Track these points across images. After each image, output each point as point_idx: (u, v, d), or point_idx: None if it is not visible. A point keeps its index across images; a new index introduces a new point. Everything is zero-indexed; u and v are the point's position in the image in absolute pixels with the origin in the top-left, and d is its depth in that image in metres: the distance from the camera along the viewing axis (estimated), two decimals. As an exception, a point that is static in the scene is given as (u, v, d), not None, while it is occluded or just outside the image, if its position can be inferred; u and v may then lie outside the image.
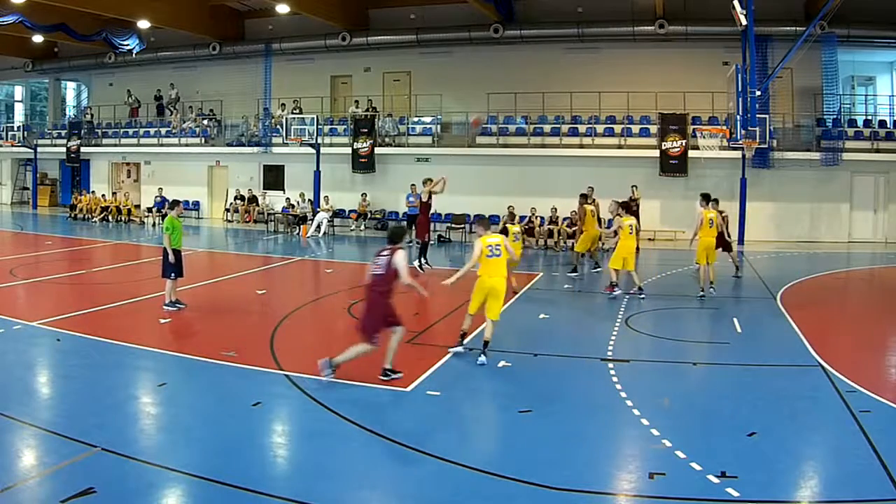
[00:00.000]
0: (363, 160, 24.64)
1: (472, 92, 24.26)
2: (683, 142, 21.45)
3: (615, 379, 7.69)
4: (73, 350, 8.65)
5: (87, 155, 30.02)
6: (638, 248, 18.68)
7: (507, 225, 13.36)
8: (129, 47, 26.52)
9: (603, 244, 17.11)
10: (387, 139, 25.03)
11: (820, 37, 19.92)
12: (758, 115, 19.20)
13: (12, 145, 30.48)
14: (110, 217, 26.20)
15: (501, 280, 8.39)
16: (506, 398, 7.11)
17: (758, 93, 19.18)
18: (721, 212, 14.62)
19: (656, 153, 21.91)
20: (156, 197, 26.27)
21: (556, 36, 23.93)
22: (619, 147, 22.55)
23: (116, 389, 7.22)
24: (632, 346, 9.34)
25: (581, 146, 22.73)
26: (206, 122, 28.12)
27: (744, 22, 18.00)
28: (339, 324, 10.83)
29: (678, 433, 6.08)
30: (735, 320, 10.70)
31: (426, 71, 25.83)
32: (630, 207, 18.87)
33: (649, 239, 21.28)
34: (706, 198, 13.27)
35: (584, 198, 16.46)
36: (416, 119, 25.56)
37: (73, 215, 26.99)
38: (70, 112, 34.51)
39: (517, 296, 12.51)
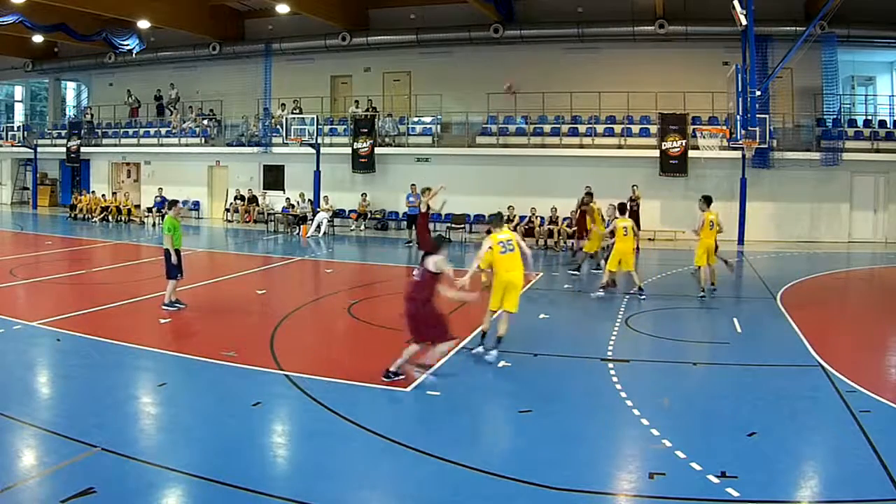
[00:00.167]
0: (363, 160, 24.64)
1: (472, 92, 24.28)
2: (683, 142, 21.45)
3: (615, 379, 7.69)
4: (73, 350, 8.65)
5: (87, 155, 30.02)
6: (638, 248, 18.77)
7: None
8: (129, 47, 26.52)
9: (603, 246, 17.12)
10: (387, 139, 25.04)
11: (820, 37, 19.92)
12: (758, 115, 19.20)
13: (12, 145, 30.48)
14: (110, 217, 26.21)
15: (518, 273, 8.40)
16: (506, 398, 7.11)
17: (758, 93, 19.18)
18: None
19: (656, 153, 21.91)
20: (156, 197, 26.28)
21: (556, 36, 23.93)
22: (619, 147, 22.55)
23: (116, 389, 7.22)
24: (632, 346, 9.34)
25: (581, 146, 22.73)
26: (206, 122, 28.12)
27: (744, 22, 18.01)
28: (339, 324, 10.84)
29: (678, 433, 6.08)
30: (735, 320, 10.70)
31: (426, 71, 25.83)
32: (630, 208, 19.04)
33: (649, 239, 21.28)
34: (707, 200, 13.27)
35: (591, 196, 16.50)
36: (416, 119, 25.57)
37: (73, 215, 26.99)
38: (70, 112, 34.52)
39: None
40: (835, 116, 21.40)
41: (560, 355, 8.69)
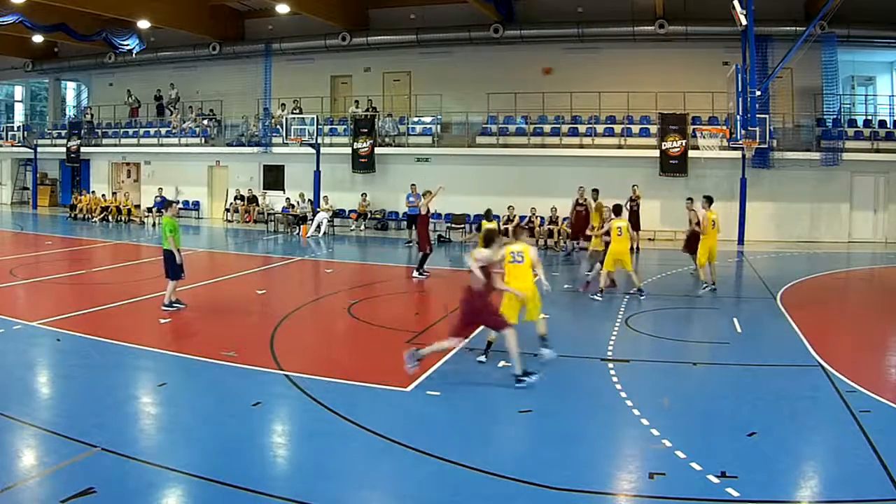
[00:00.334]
0: (363, 160, 24.65)
1: (472, 92, 24.29)
2: (683, 142, 21.45)
3: (615, 379, 7.70)
4: (73, 350, 8.65)
5: (87, 155, 30.03)
6: (638, 248, 18.81)
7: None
8: (129, 47, 26.52)
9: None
10: (387, 139, 25.04)
11: (820, 37, 19.92)
12: (758, 115, 19.20)
13: (12, 145, 30.48)
14: (110, 217, 26.22)
15: (522, 285, 8.25)
16: (506, 398, 7.11)
17: (758, 93, 19.18)
18: (693, 210, 14.74)
19: (656, 153, 21.92)
20: (156, 197, 26.28)
21: (556, 36, 23.93)
22: (619, 147, 22.55)
23: (116, 389, 7.23)
24: (632, 346, 9.34)
25: (581, 146, 22.73)
26: (206, 122, 28.13)
27: (744, 22, 18.00)
28: (339, 324, 10.84)
29: (678, 433, 6.08)
30: (735, 320, 10.70)
31: (426, 71, 25.83)
32: (630, 208, 19.08)
33: (649, 239, 21.28)
34: (710, 200, 13.37)
35: (597, 192, 16.50)
36: (416, 119, 25.57)
37: (73, 215, 27.00)
38: (70, 112, 34.52)
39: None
40: (835, 116, 21.39)
41: (560, 355, 8.67)
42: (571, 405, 7.10)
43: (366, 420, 6.32)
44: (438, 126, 25.14)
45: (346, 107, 26.97)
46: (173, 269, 10.71)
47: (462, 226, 22.46)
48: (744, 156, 20.47)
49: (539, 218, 21.08)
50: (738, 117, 19.08)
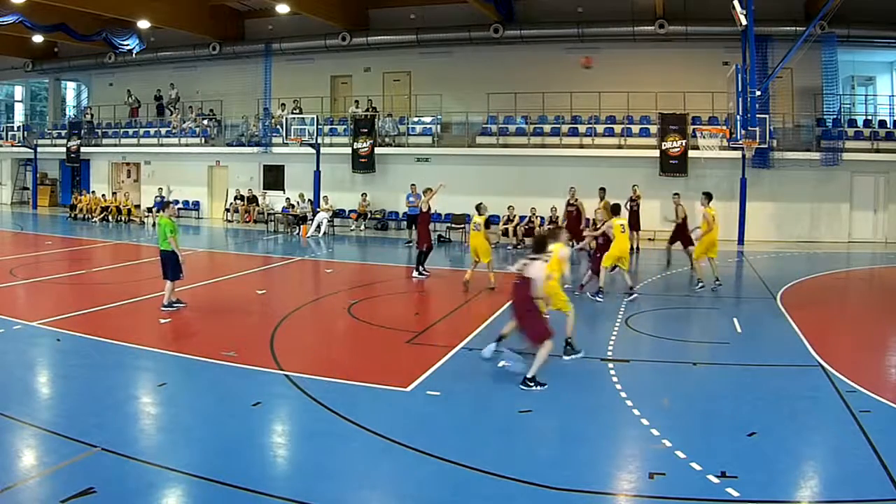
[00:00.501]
0: (363, 160, 24.64)
1: (472, 92, 24.27)
2: (683, 142, 21.45)
3: (615, 379, 7.70)
4: (73, 350, 8.66)
5: (87, 155, 30.01)
6: (638, 248, 18.82)
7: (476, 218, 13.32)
8: (129, 47, 26.51)
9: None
10: (387, 139, 25.03)
11: (820, 37, 19.91)
12: (758, 115, 19.19)
13: (12, 145, 30.47)
14: (110, 217, 26.21)
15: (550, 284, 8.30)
16: (506, 398, 7.11)
17: (758, 93, 19.17)
18: (679, 205, 14.86)
19: (656, 153, 21.91)
20: (156, 197, 26.29)
21: (556, 36, 23.92)
22: (619, 147, 22.54)
23: (116, 389, 7.23)
24: (632, 346, 9.34)
25: (581, 146, 22.73)
26: (206, 122, 28.12)
27: (744, 22, 18.00)
28: (339, 324, 10.84)
29: (678, 433, 6.08)
30: (735, 320, 10.70)
31: (426, 71, 25.82)
32: (631, 208, 19.10)
33: (649, 239, 21.27)
34: (709, 196, 13.41)
35: (604, 191, 16.51)
36: (416, 119, 25.56)
37: (73, 215, 26.99)
38: (70, 112, 34.52)
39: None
40: (835, 116, 21.38)
41: (560, 355, 8.67)
42: (571, 405, 7.10)
43: (366, 420, 6.32)
44: (438, 126, 25.13)
45: (346, 107, 26.97)
46: (173, 269, 10.71)
47: (462, 226, 22.44)
48: (744, 156, 20.46)
49: (539, 218, 21.07)
50: (738, 117, 19.08)
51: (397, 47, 25.86)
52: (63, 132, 30.66)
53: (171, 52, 28.87)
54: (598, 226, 13.28)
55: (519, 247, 20.30)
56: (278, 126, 25.45)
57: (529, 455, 5.73)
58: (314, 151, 24.28)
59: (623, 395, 7.17)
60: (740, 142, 19.24)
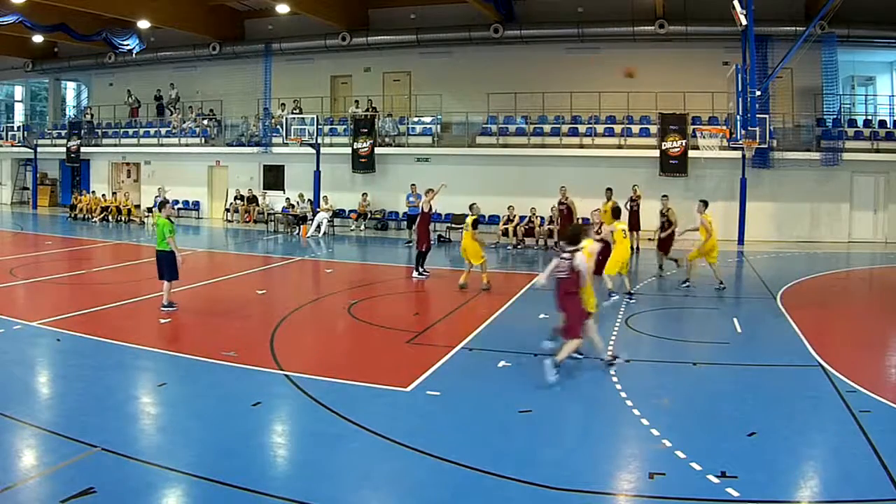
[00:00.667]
0: (363, 160, 24.65)
1: (472, 92, 24.29)
2: (683, 142, 21.45)
3: (615, 379, 7.69)
4: (73, 350, 8.66)
5: (87, 155, 30.02)
6: (638, 248, 18.81)
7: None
8: (129, 47, 26.51)
9: None
10: (387, 139, 25.04)
11: (820, 37, 19.92)
12: (758, 115, 19.20)
13: (12, 145, 30.48)
14: (110, 217, 26.21)
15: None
16: (506, 398, 7.11)
17: (758, 93, 19.18)
18: (669, 208, 14.91)
19: (656, 153, 21.91)
20: (156, 197, 26.28)
21: (556, 36, 23.93)
22: (619, 147, 22.55)
23: (116, 389, 7.23)
24: (632, 346, 9.33)
25: (581, 146, 22.73)
26: (206, 122, 28.13)
27: (744, 22, 18.00)
28: (339, 324, 10.84)
29: (678, 433, 6.08)
30: (735, 320, 10.70)
31: (426, 71, 25.83)
32: (631, 209, 19.10)
33: (649, 239, 21.23)
34: (706, 204, 13.46)
35: (611, 192, 16.50)
36: (416, 119, 25.57)
37: (73, 215, 26.99)
38: (70, 112, 34.52)
39: (516, 295, 12.54)
40: (835, 116, 21.38)
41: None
42: (571, 405, 7.10)
43: (366, 420, 6.32)
44: (438, 126, 25.14)
45: (346, 107, 26.98)
46: (170, 269, 10.70)
47: (461, 226, 22.42)
48: (744, 156, 20.46)
49: (539, 218, 21.07)
50: (738, 117, 19.08)
51: (397, 47, 25.87)
52: (63, 132, 30.66)
53: (171, 52, 28.87)
54: (597, 229, 13.25)
55: (519, 247, 20.31)
56: (278, 126, 25.45)
57: (529, 455, 5.73)
58: (314, 151, 24.28)
59: (623, 395, 7.17)
60: (740, 142, 19.25)
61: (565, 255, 7.86)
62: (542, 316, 11.20)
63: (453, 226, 22.54)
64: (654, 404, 6.97)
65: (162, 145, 28.51)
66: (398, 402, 7.02)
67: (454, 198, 20.53)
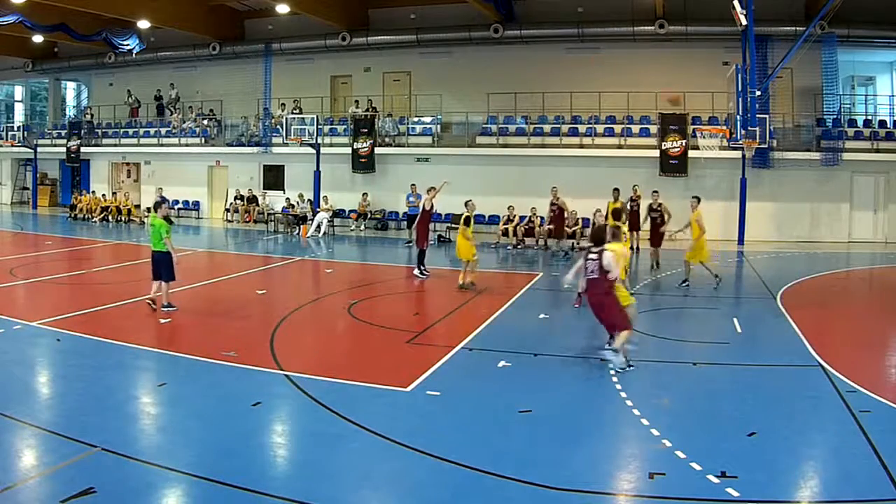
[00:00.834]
0: (363, 160, 24.65)
1: (472, 92, 24.29)
2: (683, 142, 21.45)
3: (615, 379, 7.69)
4: (73, 350, 8.66)
5: (87, 155, 30.02)
6: (638, 248, 18.81)
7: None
8: (129, 47, 26.51)
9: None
10: (387, 139, 25.04)
11: (820, 37, 19.92)
12: (758, 115, 19.19)
13: (12, 145, 30.47)
14: (110, 217, 26.21)
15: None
16: (506, 398, 7.11)
17: (758, 93, 19.17)
18: (661, 203, 14.96)
19: (656, 153, 21.91)
20: (156, 196, 26.27)
21: (556, 36, 23.93)
22: (619, 147, 22.55)
23: (116, 389, 7.23)
24: (632, 346, 9.32)
25: (581, 146, 22.74)
26: (206, 122, 28.13)
27: (744, 22, 17.99)
28: (339, 324, 10.84)
29: (678, 433, 6.08)
30: (735, 320, 10.70)
31: (426, 71, 25.83)
32: (631, 209, 19.08)
33: (649, 239, 21.24)
34: (698, 200, 13.54)
35: (618, 192, 16.52)
36: (416, 119, 25.57)
37: (73, 215, 26.99)
38: (70, 112, 34.52)
39: (516, 295, 12.54)
40: (835, 116, 21.38)
41: (560, 355, 8.69)
42: (571, 405, 7.09)
43: (366, 420, 6.32)
44: (438, 126, 25.14)
45: (346, 107, 26.98)
46: (167, 270, 10.69)
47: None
48: (744, 156, 20.46)
49: (539, 218, 21.06)
50: (738, 117, 19.08)
51: (397, 47, 25.87)
52: (63, 132, 30.66)
53: (171, 52, 28.87)
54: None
55: (519, 247, 20.30)
56: (278, 126, 25.45)
57: (529, 455, 5.73)
58: (314, 151, 24.28)
59: (623, 395, 7.17)
60: (740, 142, 19.24)
61: (592, 255, 8.06)
62: (542, 316, 11.22)
63: (453, 226, 22.54)
64: (654, 404, 6.98)
65: (162, 145, 28.51)
66: (398, 402, 7.02)
67: (454, 198, 20.52)
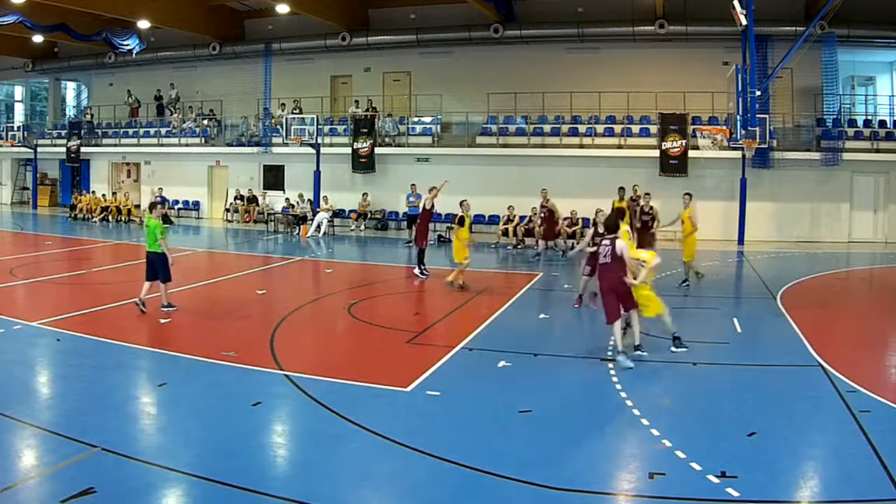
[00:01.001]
0: (363, 160, 24.65)
1: (472, 92, 24.29)
2: (683, 142, 21.45)
3: (615, 379, 7.69)
4: (73, 350, 8.66)
5: (87, 155, 30.01)
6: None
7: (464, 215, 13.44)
8: (129, 47, 26.50)
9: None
10: (387, 139, 25.04)
11: (820, 37, 19.91)
12: (758, 115, 19.19)
13: (12, 145, 30.47)
14: (110, 217, 26.20)
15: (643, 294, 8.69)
16: (506, 398, 7.11)
17: (758, 93, 19.17)
18: (652, 206, 15.01)
19: (656, 153, 21.91)
20: (156, 197, 26.27)
21: (556, 36, 23.93)
22: (619, 147, 22.55)
23: (116, 389, 7.23)
24: (632, 347, 9.31)
25: (581, 146, 22.74)
26: (206, 122, 28.12)
27: (744, 22, 17.99)
28: (339, 324, 10.84)
29: (678, 433, 6.08)
30: (735, 320, 10.71)
31: (426, 71, 25.83)
32: (631, 209, 19.07)
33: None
34: (691, 196, 13.60)
35: (623, 191, 16.54)
36: (416, 119, 25.57)
37: (73, 215, 26.99)
38: (70, 112, 34.52)
39: (516, 295, 12.53)
40: (835, 116, 21.38)
41: (560, 355, 8.69)
42: (571, 405, 7.09)
43: (366, 420, 6.32)
44: (438, 126, 25.14)
45: (346, 107, 26.98)
46: (164, 270, 10.69)
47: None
48: (744, 156, 20.46)
49: (539, 218, 21.03)
50: (738, 117, 19.08)
51: (397, 47, 25.87)
52: (63, 132, 30.66)
53: (171, 52, 28.86)
54: (596, 230, 13.27)
55: (519, 247, 20.30)
56: (278, 126, 25.45)
57: (529, 455, 5.73)
58: (314, 151, 24.28)
59: (623, 394, 7.17)
60: (740, 142, 19.24)
61: (606, 241, 8.26)
62: (542, 316, 11.22)
63: (453, 226, 22.54)
64: (655, 404, 6.98)
65: (162, 145, 28.51)
66: (398, 402, 7.02)
67: (454, 198, 20.52)
